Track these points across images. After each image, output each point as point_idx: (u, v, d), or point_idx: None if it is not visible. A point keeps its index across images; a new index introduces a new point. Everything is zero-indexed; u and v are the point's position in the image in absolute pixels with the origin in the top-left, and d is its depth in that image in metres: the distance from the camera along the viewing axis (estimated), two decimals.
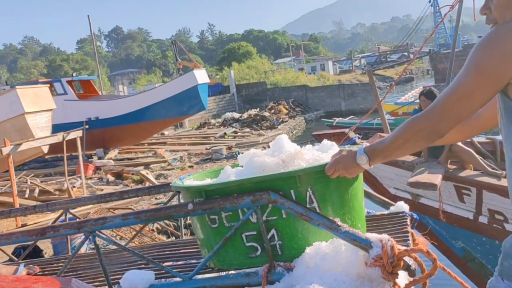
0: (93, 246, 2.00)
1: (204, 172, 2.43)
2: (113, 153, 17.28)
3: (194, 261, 2.36)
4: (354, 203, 2.02)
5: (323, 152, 2.11)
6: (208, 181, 2.23)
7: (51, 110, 12.25)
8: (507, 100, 1.47)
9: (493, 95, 1.48)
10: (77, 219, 2.70)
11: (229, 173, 2.15)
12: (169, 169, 14.33)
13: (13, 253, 4.32)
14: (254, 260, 1.95)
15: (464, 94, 1.48)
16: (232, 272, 2.00)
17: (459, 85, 1.49)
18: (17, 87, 12.29)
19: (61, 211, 3.06)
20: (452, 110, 1.52)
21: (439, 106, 1.54)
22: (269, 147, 2.24)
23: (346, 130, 6.68)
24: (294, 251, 1.91)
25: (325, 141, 2.24)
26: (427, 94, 5.78)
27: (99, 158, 16.35)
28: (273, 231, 1.91)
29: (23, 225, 8.34)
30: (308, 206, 1.89)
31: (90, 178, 13.19)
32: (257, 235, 1.92)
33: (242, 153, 2.76)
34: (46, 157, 15.51)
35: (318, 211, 1.89)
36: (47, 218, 8.45)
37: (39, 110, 11.75)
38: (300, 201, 1.88)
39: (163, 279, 2.06)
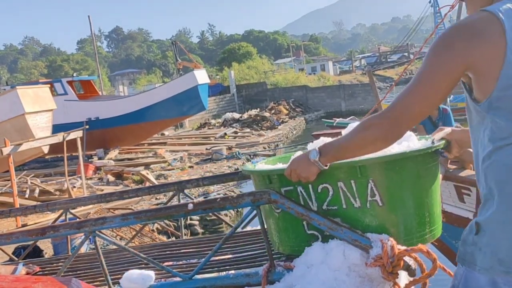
0: (93, 246, 2.00)
1: (275, 158, 2.44)
2: (113, 153, 17.28)
3: (194, 261, 2.36)
4: (431, 203, 1.99)
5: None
6: (280, 165, 2.19)
7: (51, 110, 12.25)
8: (468, 97, 1.47)
9: (451, 85, 1.46)
10: (77, 219, 2.70)
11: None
12: (169, 169, 14.33)
13: (13, 253, 4.31)
14: None
15: (424, 87, 1.47)
16: (232, 272, 2.00)
17: (419, 79, 1.48)
18: (17, 87, 12.30)
19: (61, 211, 3.06)
20: (411, 107, 1.50)
21: (399, 104, 1.52)
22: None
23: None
24: None
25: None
26: None
27: (99, 158, 16.35)
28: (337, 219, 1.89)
29: (23, 225, 8.33)
30: (369, 198, 1.84)
31: (90, 178, 13.18)
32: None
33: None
34: (47, 157, 15.50)
35: (380, 204, 1.84)
36: (47, 218, 8.44)
37: (40, 110, 11.75)
38: (360, 192, 1.84)
39: (163, 279, 2.06)
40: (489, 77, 1.38)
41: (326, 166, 1.78)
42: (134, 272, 2.02)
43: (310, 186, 1.87)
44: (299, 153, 2.02)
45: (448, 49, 1.43)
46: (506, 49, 1.35)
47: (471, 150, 5.71)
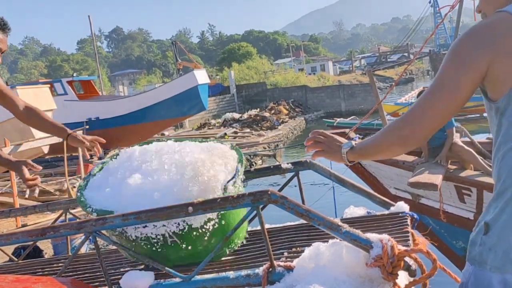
0: (93, 246, 1.99)
1: None
2: (114, 153, 17.29)
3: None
4: None
5: None
6: None
7: (51, 110, 12.26)
8: (485, 98, 1.48)
9: (470, 88, 1.44)
10: (77, 220, 2.70)
11: None
12: None
13: (13, 253, 4.31)
14: None
15: (443, 90, 1.45)
16: (232, 272, 2.00)
17: (437, 83, 1.46)
18: (17, 87, 12.31)
19: (61, 211, 3.06)
20: (431, 111, 1.48)
21: (419, 108, 1.50)
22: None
23: (347, 131, 6.67)
24: None
25: None
26: None
27: (100, 159, 16.33)
28: None
29: (23, 225, 8.33)
30: None
31: None
32: None
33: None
34: (47, 157, 15.50)
35: None
36: (47, 218, 8.44)
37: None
38: None
39: (163, 280, 2.06)
40: (506, 74, 1.38)
41: (351, 162, 1.76)
42: (133, 273, 2.02)
43: None
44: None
45: (468, 53, 1.41)
46: None
47: (471, 150, 5.73)
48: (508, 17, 1.39)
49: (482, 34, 1.41)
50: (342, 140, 1.81)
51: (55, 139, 10.06)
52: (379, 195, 2.64)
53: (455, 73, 1.43)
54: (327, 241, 1.92)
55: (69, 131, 2.91)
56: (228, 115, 27.82)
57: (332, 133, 1.94)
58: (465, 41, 1.43)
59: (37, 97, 11.91)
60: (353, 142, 1.78)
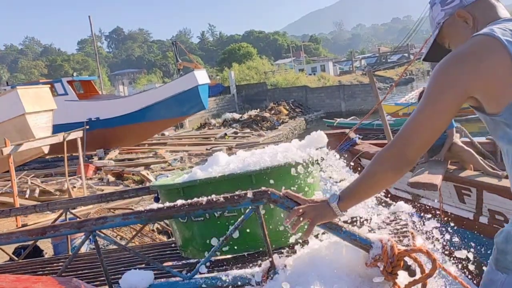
0: (93, 246, 2.00)
1: (180, 172, 2.80)
2: (114, 153, 17.29)
3: (194, 261, 2.37)
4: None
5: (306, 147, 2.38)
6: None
7: (51, 110, 12.25)
8: (483, 115, 1.52)
9: (455, 109, 1.50)
10: (77, 219, 2.70)
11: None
12: (169, 170, 14.33)
13: (13, 253, 4.31)
14: None
15: (428, 116, 1.51)
16: (232, 271, 2.00)
17: (422, 109, 1.52)
18: (17, 87, 12.30)
19: (61, 211, 3.06)
20: (417, 136, 1.53)
21: (404, 134, 1.55)
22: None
23: (347, 131, 6.67)
24: None
25: (313, 133, 2.37)
26: None
27: (100, 159, 16.35)
28: None
29: (23, 225, 8.33)
30: None
31: (91, 179, 13.19)
32: None
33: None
34: (47, 157, 15.51)
35: None
36: (48, 218, 8.44)
37: (40, 110, 11.76)
38: None
39: (163, 279, 2.06)
40: (503, 89, 1.43)
41: (346, 211, 1.72)
42: (133, 272, 2.02)
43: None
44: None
45: (450, 79, 1.47)
46: None
47: (471, 150, 5.74)
48: (488, 39, 1.45)
49: (467, 56, 1.45)
50: (318, 199, 1.75)
51: (56, 139, 10.07)
52: (378, 195, 2.64)
53: (438, 99, 1.49)
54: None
55: None
56: (228, 115, 27.81)
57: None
58: (450, 64, 1.48)
59: (37, 97, 11.90)
60: (336, 192, 1.73)
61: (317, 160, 2.36)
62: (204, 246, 2.23)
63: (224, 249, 2.18)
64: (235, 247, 2.22)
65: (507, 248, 1.50)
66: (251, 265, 2.09)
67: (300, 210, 1.73)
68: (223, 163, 2.52)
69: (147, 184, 11.30)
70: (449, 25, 1.65)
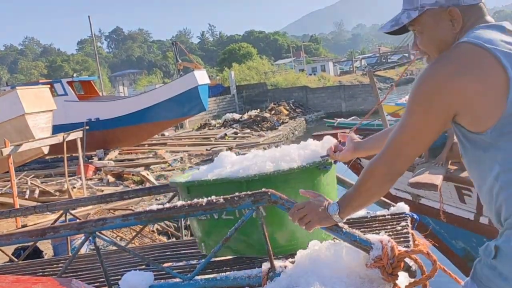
0: (93, 247, 1.99)
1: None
2: (114, 154, 17.28)
3: (194, 262, 2.36)
4: None
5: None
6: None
7: (51, 111, 12.25)
8: (463, 130, 1.45)
9: (442, 127, 1.48)
10: (77, 220, 2.70)
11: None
12: (169, 170, 14.33)
13: (13, 254, 4.31)
14: None
15: (414, 133, 1.49)
16: (232, 273, 2.00)
17: (407, 125, 1.50)
18: (17, 88, 12.29)
19: (61, 212, 3.06)
20: (404, 149, 1.53)
21: (392, 147, 1.55)
22: (269, 148, 2.33)
23: (347, 131, 6.67)
24: None
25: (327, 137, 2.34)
26: None
27: (100, 159, 16.34)
28: None
29: (23, 226, 8.33)
30: None
31: (91, 179, 13.18)
32: None
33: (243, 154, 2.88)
34: (47, 158, 15.50)
35: None
36: (47, 219, 8.43)
37: (40, 110, 11.75)
38: None
39: (163, 280, 2.06)
40: (490, 106, 1.36)
41: (343, 219, 1.75)
42: (133, 273, 2.02)
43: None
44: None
45: (434, 91, 1.41)
46: (508, 75, 1.33)
47: None
48: (472, 48, 1.38)
49: (458, 68, 1.38)
50: (320, 200, 1.76)
51: (55, 140, 10.06)
52: None
53: (425, 121, 1.46)
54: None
55: None
56: (228, 115, 27.78)
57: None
58: (429, 86, 1.42)
59: (37, 97, 11.90)
60: (336, 202, 1.74)
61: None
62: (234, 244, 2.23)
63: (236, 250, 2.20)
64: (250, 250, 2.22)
65: (486, 261, 1.43)
66: (251, 266, 2.09)
67: (301, 210, 1.75)
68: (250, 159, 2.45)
69: (147, 185, 11.31)
70: (432, 15, 1.52)
